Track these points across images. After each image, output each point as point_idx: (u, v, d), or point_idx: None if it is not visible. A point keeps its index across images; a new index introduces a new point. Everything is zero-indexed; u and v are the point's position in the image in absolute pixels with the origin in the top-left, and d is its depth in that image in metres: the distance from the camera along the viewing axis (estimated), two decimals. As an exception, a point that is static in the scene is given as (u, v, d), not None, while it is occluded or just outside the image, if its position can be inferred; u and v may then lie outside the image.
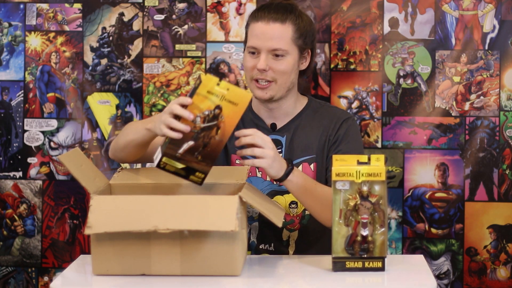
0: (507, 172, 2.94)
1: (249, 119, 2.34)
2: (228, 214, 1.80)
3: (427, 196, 2.95)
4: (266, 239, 2.34)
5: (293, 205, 2.30)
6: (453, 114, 2.95)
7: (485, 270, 2.96)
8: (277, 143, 2.28)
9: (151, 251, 1.85)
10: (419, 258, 2.09)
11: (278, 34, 2.24)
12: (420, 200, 2.95)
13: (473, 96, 2.94)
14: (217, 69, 3.01)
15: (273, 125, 2.33)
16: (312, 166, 2.30)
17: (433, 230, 2.95)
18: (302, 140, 2.31)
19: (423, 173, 2.95)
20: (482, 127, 2.94)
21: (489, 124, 2.93)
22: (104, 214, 1.83)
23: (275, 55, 2.24)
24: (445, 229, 2.95)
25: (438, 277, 2.95)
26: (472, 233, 2.95)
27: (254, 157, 2.03)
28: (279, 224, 1.94)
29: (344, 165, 1.91)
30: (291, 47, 2.25)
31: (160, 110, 3.01)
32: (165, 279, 1.85)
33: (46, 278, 3.05)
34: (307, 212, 2.30)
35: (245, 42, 2.33)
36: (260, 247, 2.34)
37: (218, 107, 1.92)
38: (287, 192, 2.27)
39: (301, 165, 2.30)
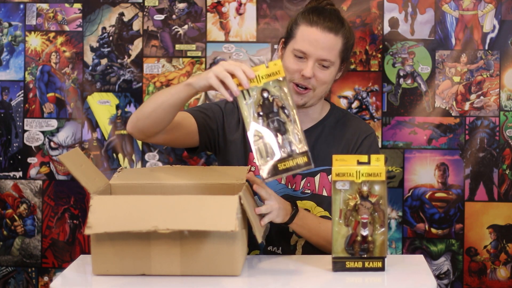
0: (507, 172, 2.94)
1: None
2: (228, 214, 1.80)
3: (427, 196, 2.95)
4: (275, 241, 2.32)
5: None
6: (453, 114, 2.95)
7: (485, 270, 2.96)
8: None
9: (151, 251, 1.85)
10: (419, 258, 2.09)
11: (331, 45, 2.22)
12: (420, 200, 2.95)
13: (473, 96, 2.94)
14: (217, 69, 3.00)
15: None
16: (329, 177, 2.29)
17: (433, 230, 2.95)
18: (323, 149, 2.30)
19: (423, 173, 2.95)
20: (482, 127, 2.94)
21: (489, 124, 2.93)
22: (104, 214, 1.83)
23: (322, 65, 2.22)
24: (445, 229, 2.95)
25: (438, 277, 2.95)
26: (472, 233, 2.95)
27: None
28: (259, 240, 1.94)
29: (344, 165, 1.90)
30: (337, 59, 2.25)
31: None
32: (165, 279, 1.85)
33: (46, 278, 3.05)
34: None
35: (287, 37, 2.28)
36: (268, 248, 2.34)
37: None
38: (300, 198, 2.28)
39: (319, 174, 2.29)
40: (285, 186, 2.28)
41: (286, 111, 1.92)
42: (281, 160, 1.91)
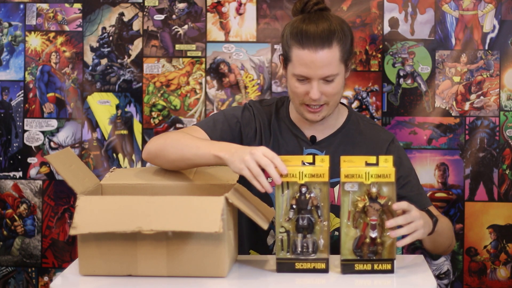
0: (507, 172, 2.94)
1: (286, 127, 2.26)
2: (213, 215, 1.79)
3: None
4: None
5: None
6: (453, 114, 2.95)
7: (485, 270, 2.96)
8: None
9: (138, 252, 1.85)
10: (419, 258, 2.09)
11: (328, 60, 2.11)
12: (420, 200, 2.94)
13: (473, 96, 2.94)
14: (217, 69, 3.00)
15: (313, 138, 2.24)
16: None
17: (433, 230, 2.95)
18: None
19: (423, 173, 2.95)
20: (482, 127, 2.94)
21: (489, 124, 2.93)
22: (90, 214, 1.83)
23: (326, 80, 2.14)
24: (445, 229, 2.95)
25: (438, 277, 2.95)
26: (472, 233, 2.95)
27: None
28: (265, 227, 1.92)
29: (352, 166, 1.89)
30: (339, 67, 2.15)
31: (160, 110, 3.01)
32: (152, 280, 1.84)
33: (46, 278, 3.05)
34: (336, 233, 2.24)
35: (285, 58, 2.18)
36: None
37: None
38: None
39: (339, 185, 2.24)
40: None
41: (319, 211, 1.89)
42: (300, 260, 1.90)
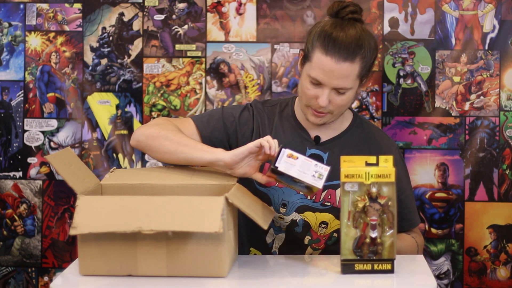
0: (507, 172, 2.94)
1: (290, 126, 2.28)
2: (213, 215, 1.79)
3: (427, 196, 2.95)
4: (289, 252, 2.27)
5: (323, 225, 2.25)
6: (453, 114, 2.95)
7: (485, 270, 2.96)
8: (318, 158, 2.22)
9: (137, 251, 1.85)
10: (419, 258, 2.09)
11: (346, 74, 2.13)
12: (420, 200, 2.95)
13: (473, 96, 2.94)
14: (217, 69, 3.00)
15: (317, 138, 2.26)
16: None
17: (433, 230, 2.95)
18: None
19: (423, 173, 2.95)
20: (482, 127, 2.94)
21: (489, 124, 2.93)
22: (90, 214, 1.83)
23: (338, 92, 2.16)
24: (445, 229, 2.95)
25: (438, 277, 2.95)
26: (472, 233, 2.95)
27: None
28: (265, 227, 1.92)
29: (352, 166, 1.89)
30: (354, 82, 2.17)
31: (160, 110, 3.01)
32: (152, 280, 1.85)
33: (46, 278, 3.05)
34: (335, 234, 2.26)
35: (305, 55, 2.19)
36: None
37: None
38: (319, 210, 2.24)
39: (339, 189, 2.24)
40: (303, 196, 2.23)
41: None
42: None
